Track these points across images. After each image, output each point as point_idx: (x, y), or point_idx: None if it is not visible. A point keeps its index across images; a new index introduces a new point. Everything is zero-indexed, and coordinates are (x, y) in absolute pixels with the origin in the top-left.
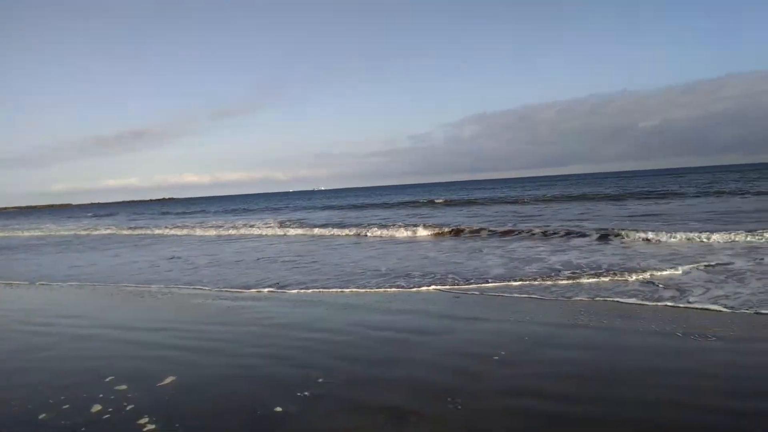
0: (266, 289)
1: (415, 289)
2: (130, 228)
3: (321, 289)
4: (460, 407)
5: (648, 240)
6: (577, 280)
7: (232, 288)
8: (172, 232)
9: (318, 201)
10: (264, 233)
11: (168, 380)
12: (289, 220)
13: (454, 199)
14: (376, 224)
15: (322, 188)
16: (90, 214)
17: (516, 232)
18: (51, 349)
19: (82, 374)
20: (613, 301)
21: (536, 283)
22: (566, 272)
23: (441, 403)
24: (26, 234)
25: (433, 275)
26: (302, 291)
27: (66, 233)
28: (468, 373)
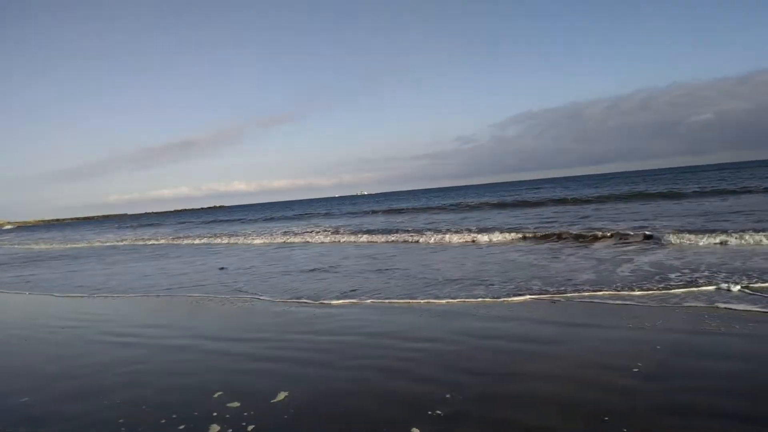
0: (348, 300)
1: (512, 298)
2: (189, 237)
3: (408, 299)
4: (625, 430)
5: (743, 240)
6: (683, 284)
7: (308, 298)
8: (231, 240)
9: (364, 206)
10: (323, 240)
11: (281, 396)
12: (344, 227)
13: (506, 201)
14: (431, 229)
15: (365, 192)
16: (136, 225)
17: (589, 234)
18: (143, 362)
19: (185, 390)
20: (729, 309)
21: (641, 291)
22: (667, 275)
23: (599, 424)
24: (96, 244)
25: (518, 280)
26: (388, 300)
27: (129, 243)
28: (614, 388)
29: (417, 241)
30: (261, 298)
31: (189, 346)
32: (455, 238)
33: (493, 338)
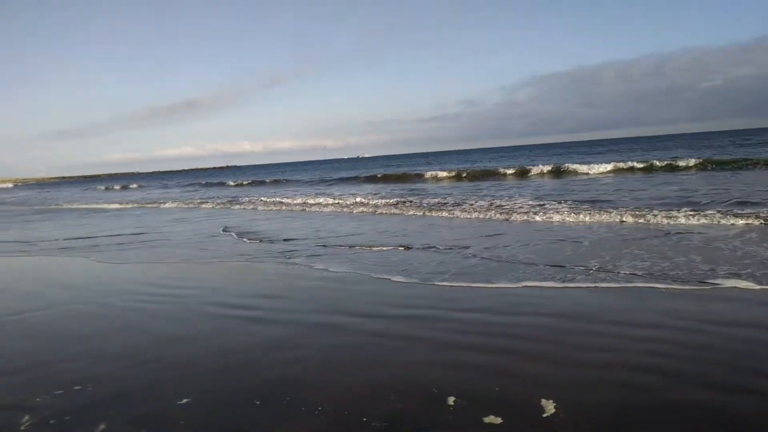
0: (519, 283)
1: (713, 286)
2: (288, 196)
3: (538, 282)
4: None
5: None
6: None
7: (480, 281)
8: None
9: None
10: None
11: (550, 408)
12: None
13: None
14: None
15: (366, 155)
16: (184, 183)
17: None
18: (294, 346)
19: (395, 392)
20: None
21: None
22: None
23: None
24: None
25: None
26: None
27: (213, 206)
28: None
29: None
30: (393, 279)
31: (346, 326)
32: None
33: (743, 326)
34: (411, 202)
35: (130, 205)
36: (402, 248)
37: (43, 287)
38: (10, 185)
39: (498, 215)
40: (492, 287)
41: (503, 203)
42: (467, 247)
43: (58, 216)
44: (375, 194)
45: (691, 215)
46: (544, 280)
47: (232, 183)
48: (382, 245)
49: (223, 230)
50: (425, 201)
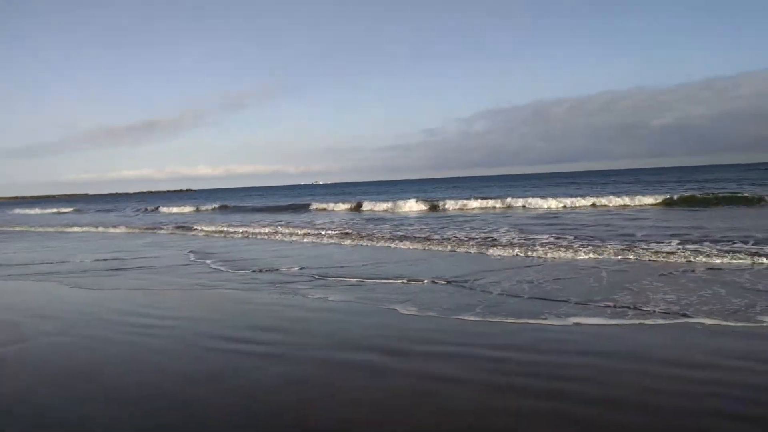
0: (572, 318)
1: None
2: (215, 224)
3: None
4: None
5: None
6: None
7: (527, 317)
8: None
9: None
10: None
11: None
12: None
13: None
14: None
15: (320, 182)
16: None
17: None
18: (309, 384)
19: None
20: None
21: None
22: None
23: None
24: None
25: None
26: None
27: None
28: None
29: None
30: (409, 312)
31: (376, 365)
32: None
33: None
34: (376, 233)
35: (91, 229)
36: (404, 281)
37: (19, 316)
38: None
39: (490, 249)
40: (521, 323)
41: (487, 235)
42: (476, 280)
43: (21, 238)
44: (332, 222)
45: (689, 250)
46: (586, 315)
47: (177, 209)
48: (384, 277)
49: (195, 256)
50: (397, 231)
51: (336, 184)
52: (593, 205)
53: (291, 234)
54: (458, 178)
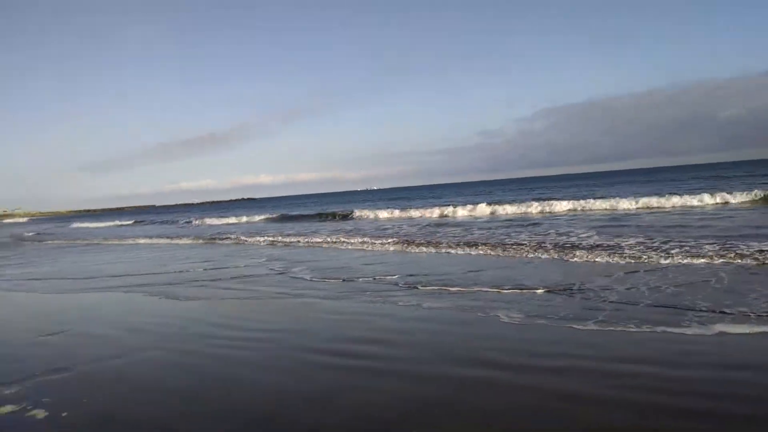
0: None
1: None
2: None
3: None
4: None
5: None
6: None
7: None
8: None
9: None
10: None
11: None
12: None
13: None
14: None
15: (375, 188)
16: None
17: None
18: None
19: None
20: None
21: None
22: None
23: None
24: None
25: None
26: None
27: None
28: None
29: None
30: (516, 320)
31: (498, 381)
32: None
33: None
34: (449, 238)
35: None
36: (501, 289)
37: (115, 329)
38: (24, 219)
39: (575, 253)
40: (649, 332)
41: (566, 239)
42: (582, 286)
43: (101, 250)
44: (399, 228)
45: None
46: (729, 323)
47: (245, 218)
48: (477, 284)
49: (276, 265)
50: (469, 236)
51: (391, 188)
52: (672, 206)
53: (364, 242)
54: (517, 179)
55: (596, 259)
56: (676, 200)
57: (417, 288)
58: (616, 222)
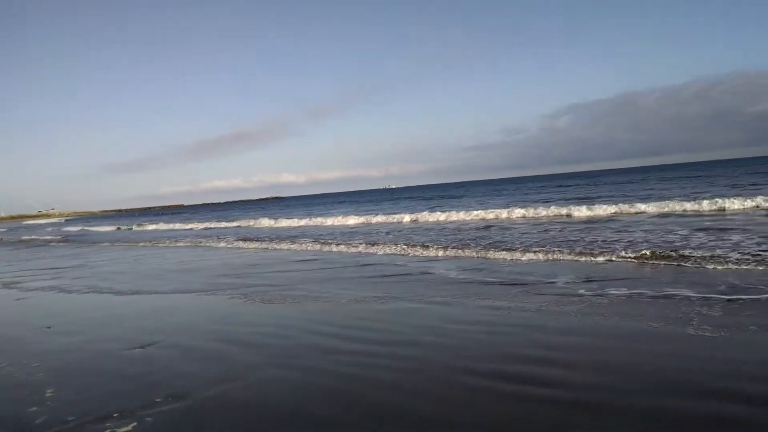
0: None
1: None
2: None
3: None
4: None
5: None
6: None
7: None
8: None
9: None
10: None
11: None
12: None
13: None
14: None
15: (393, 186)
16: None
17: None
18: None
19: None
20: None
21: None
22: None
23: None
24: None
25: None
26: None
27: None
28: None
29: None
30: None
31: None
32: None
33: None
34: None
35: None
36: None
37: (212, 341)
38: (61, 219)
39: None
40: None
41: (664, 240)
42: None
43: (158, 252)
44: (443, 230)
45: None
46: None
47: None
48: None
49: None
50: (540, 237)
51: (412, 187)
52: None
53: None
54: (542, 176)
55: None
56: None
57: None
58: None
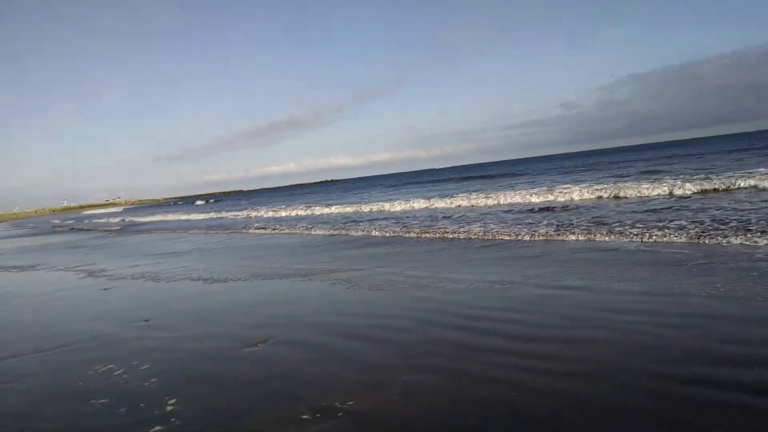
0: None
1: None
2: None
3: None
4: None
5: None
6: None
7: None
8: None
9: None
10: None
11: None
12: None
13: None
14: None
15: (440, 167)
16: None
17: None
18: None
19: None
20: None
21: None
22: None
23: None
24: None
25: None
26: None
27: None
28: None
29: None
30: None
31: None
32: None
33: None
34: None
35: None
36: None
37: (330, 335)
38: (119, 209)
39: None
40: None
41: None
42: None
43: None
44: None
45: None
46: None
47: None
48: None
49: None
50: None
51: (460, 166)
52: None
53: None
54: (600, 150)
55: None
56: None
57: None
58: None
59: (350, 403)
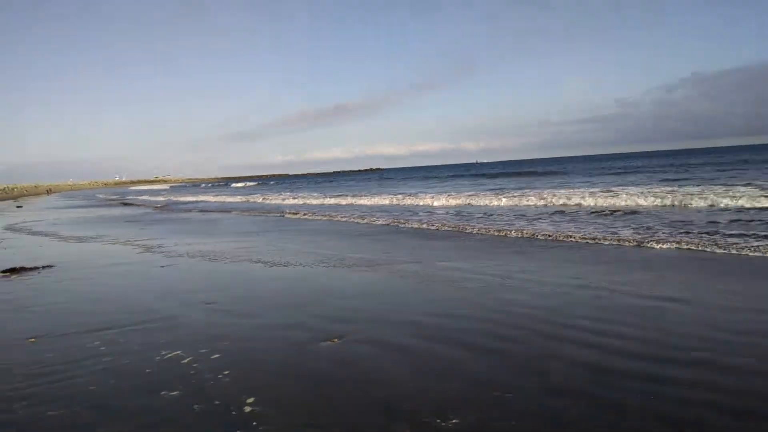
0: None
1: None
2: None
3: None
4: None
5: None
6: None
7: None
8: None
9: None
10: None
11: None
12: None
13: None
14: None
15: (485, 161)
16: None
17: None
18: None
19: None
20: None
21: None
22: None
23: None
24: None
25: None
26: None
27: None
28: None
29: None
30: None
31: None
32: None
33: None
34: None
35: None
36: None
37: (415, 337)
38: (166, 186)
39: None
40: None
41: None
42: None
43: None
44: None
45: None
46: None
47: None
48: None
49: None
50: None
51: (497, 162)
52: None
53: None
54: (656, 152)
55: None
56: None
57: None
58: None
59: (455, 419)
